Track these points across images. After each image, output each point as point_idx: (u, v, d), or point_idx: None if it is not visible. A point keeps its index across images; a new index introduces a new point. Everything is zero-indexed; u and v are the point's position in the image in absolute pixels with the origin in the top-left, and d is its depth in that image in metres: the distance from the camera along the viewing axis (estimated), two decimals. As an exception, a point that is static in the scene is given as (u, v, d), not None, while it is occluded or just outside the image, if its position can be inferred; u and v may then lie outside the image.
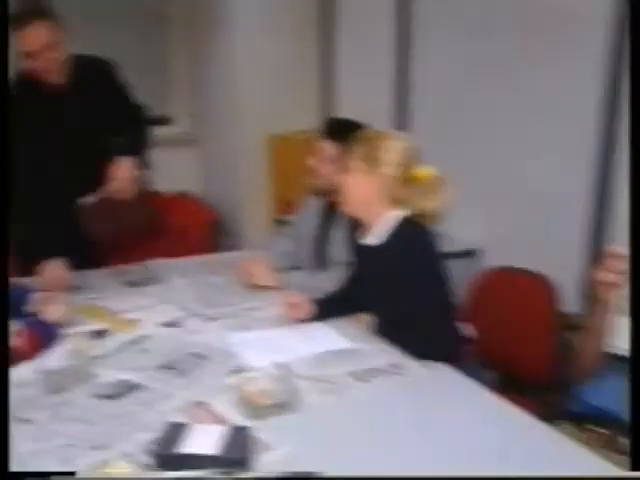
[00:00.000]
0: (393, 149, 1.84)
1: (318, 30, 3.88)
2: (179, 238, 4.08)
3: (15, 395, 1.58)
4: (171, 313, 2.10)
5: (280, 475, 1.25)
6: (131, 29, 4.22)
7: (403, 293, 1.83)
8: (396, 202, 1.87)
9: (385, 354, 1.83)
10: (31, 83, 2.30)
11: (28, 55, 2.21)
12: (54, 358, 1.72)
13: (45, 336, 1.82)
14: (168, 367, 1.74)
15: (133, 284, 2.35)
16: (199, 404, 1.55)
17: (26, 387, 1.63)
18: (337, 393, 1.63)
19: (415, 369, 1.75)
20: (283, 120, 3.87)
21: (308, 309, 2.05)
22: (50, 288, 2.04)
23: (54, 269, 2.12)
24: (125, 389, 1.62)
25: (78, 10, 3.94)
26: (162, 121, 4.49)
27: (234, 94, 3.98)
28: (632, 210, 1.47)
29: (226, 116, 4.12)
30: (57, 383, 1.63)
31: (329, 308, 2.09)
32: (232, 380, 1.64)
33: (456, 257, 2.72)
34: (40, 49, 2.20)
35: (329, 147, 2.31)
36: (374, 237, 1.92)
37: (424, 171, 1.84)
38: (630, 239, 1.42)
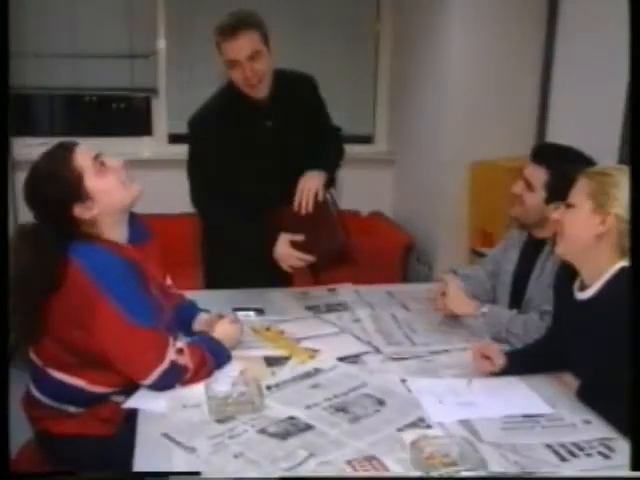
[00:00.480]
0: (628, 189, 1.56)
1: (541, 48, 3.57)
2: (369, 260, 3.99)
3: (181, 418, 1.54)
4: (351, 347, 1.96)
5: None
6: (337, 44, 4.20)
7: (617, 355, 1.54)
8: (623, 252, 1.59)
9: (592, 427, 1.55)
10: (234, 95, 2.30)
11: (232, 64, 2.21)
12: (224, 382, 1.66)
13: (213, 356, 1.76)
14: (341, 409, 1.60)
15: (316, 309, 2.25)
16: (370, 458, 1.39)
17: (192, 410, 1.57)
18: (529, 468, 1.38)
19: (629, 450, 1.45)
20: (490, 143, 3.61)
21: (501, 361, 1.81)
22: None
23: (224, 325, 1.95)
24: (294, 429, 1.50)
25: (285, 24, 4.03)
26: (363, 139, 4.45)
27: (438, 114, 3.79)
28: (632, 210, 1.45)
29: (427, 137, 3.95)
30: (224, 411, 1.56)
31: (523, 363, 1.84)
32: (410, 436, 1.46)
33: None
34: (244, 59, 2.19)
35: (539, 174, 2.06)
36: (587, 290, 1.65)
37: None
38: (630, 238, 1.40)
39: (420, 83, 3.96)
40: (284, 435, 1.48)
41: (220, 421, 1.53)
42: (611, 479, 1.33)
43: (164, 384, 1.65)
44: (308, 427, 1.51)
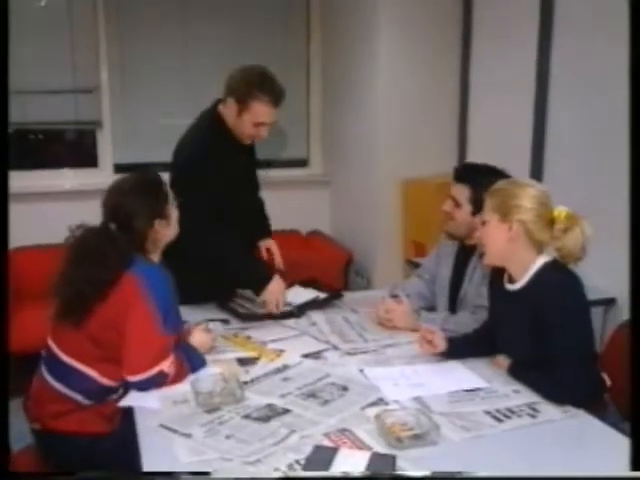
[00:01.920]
0: (526, 196, 1.90)
1: (458, 69, 3.94)
2: (311, 275, 4.26)
3: (173, 411, 1.76)
4: (311, 345, 2.22)
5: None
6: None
7: (546, 338, 1.85)
8: (536, 245, 1.92)
9: (521, 396, 1.86)
10: (223, 132, 2.56)
11: (255, 125, 2.49)
12: (207, 380, 1.88)
13: (190, 363, 1.98)
14: (311, 395, 1.85)
15: (275, 317, 2.49)
16: (343, 430, 1.65)
17: (182, 405, 1.79)
18: (473, 430, 1.67)
19: (552, 412, 1.76)
20: (418, 162, 3.94)
21: (442, 344, 2.11)
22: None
23: (199, 333, 2.17)
24: (274, 413, 1.75)
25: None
26: (299, 163, 4.75)
27: (369, 136, 4.11)
28: (632, 209, 1.51)
29: (361, 157, 4.25)
30: (211, 402, 1.78)
31: (464, 347, 2.14)
32: (374, 411, 1.73)
33: (595, 305, 2.67)
34: (264, 125, 2.50)
35: (463, 191, 2.37)
36: (516, 283, 1.97)
37: (559, 211, 1.88)
38: (630, 239, 1.48)
39: (351, 107, 4.28)
40: (266, 419, 1.72)
41: (208, 411, 1.75)
42: (611, 479, 1.38)
43: (144, 386, 1.86)
44: (286, 411, 1.76)
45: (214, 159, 2.48)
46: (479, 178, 2.31)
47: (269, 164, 4.64)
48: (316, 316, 2.50)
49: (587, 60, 3.02)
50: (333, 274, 4.00)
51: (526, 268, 1.94)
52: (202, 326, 2.19)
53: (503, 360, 2.04)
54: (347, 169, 4.47)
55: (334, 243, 4.39)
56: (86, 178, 4.14)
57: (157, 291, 1.87)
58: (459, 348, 2.13)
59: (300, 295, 2.65)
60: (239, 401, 1.81)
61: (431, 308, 2.57)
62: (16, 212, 3.83)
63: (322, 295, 2.65)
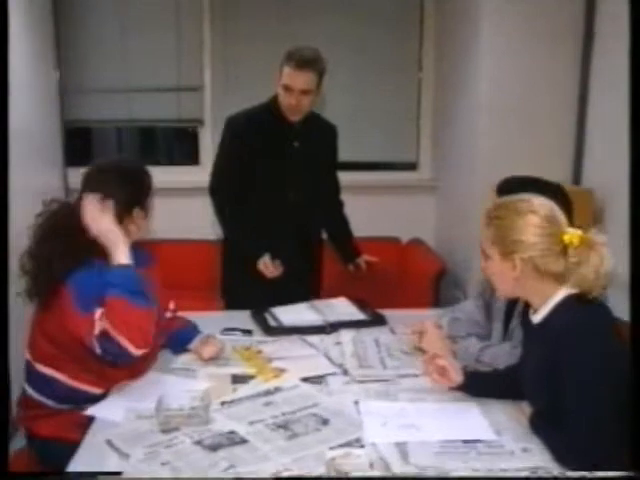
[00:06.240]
0: (527, 227, 1.57)
1: (576, 78, 3.51)
2: (401, 286, 4.01)
3: (131, 427, 1.65)
4: (319, 368, 2.02)
5: None
6: (383, 73, 4.28)
7: (562, 385, 1.52)
8: (552, 277, 1.58)
9: (529, 456, 1.54)
10: (273, 109, 2.63)
11: (286, 89, 2.54)
12: (181, 397, 1.74)
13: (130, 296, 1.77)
14: (282, 426, 1.66)
15: (303, 332, 2.30)
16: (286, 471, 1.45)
17: (144, 421, 1.68)
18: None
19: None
20: (527, 171, 3.57)
21: (457, 378, 1.83)
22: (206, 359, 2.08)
23: (208, 344, 2.12)
24: (227, 442, 1.58)
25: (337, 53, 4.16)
26: (407, 166, 4.49)
27: (476, 141, 3.79)
28: (632, 209, 1.48)
29: (467, 163, 3.93)
30: (169, 422, 1.65)
31: (484, 384, 1.84)
32: (332, 453, 1.50)
33: None
34: (297, 90, 2.52)
35: None
36: (538, 315, 1.65)
37: (571, 235, 1.54)
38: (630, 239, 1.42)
39: (460, 109, 3.97)
40: (215, 447, 1.55)
41: (165, 432, 1.63)
42: (611, 479, 1.34)
43: (112, 351, 1.70)
44: (243, 441, 1.58)
45: (249, 126, 2.62)
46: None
47: (374, 166, 4.44)
48: (345, 334, 2.28)
49: None
50: (423, 286, 3.72)
51: (546, 300, 1.61)
52: (205, 339, 2.09)
53: (526, 407, 1.72)
54: (455, 174, 4.15)
55: (431, 253, 4.09)
56: (187, 176, 4.19)
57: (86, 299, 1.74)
58: (477, 385, 1.84)
59: (339, 310, 2.45)
60: (203, 424, 1.66)
61: (486, 336, 2.26)
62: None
63: (362, 316, 2.42)
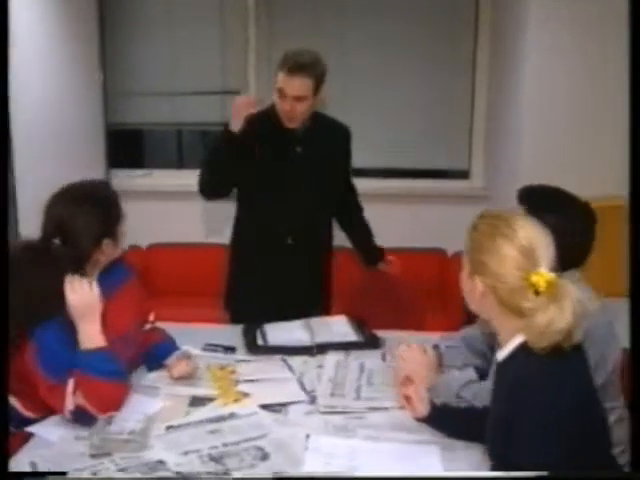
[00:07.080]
0: (494, 254, 1.39)
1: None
2: (445, 299, 3.81)
3: (63, 448, 1.60)
4: (285, 395, 1.89)
5: None
6: (434, 78, 4.08)
7: (514, 439, 1.34)
8: (519, 314, 1.39)
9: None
10: (273, 114, 2.47)
11: (280, 93, 2.39)
12: (128, 418, 1.67)
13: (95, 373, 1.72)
14: (217, 459, 1.55)
15: (288, 352, 2.18)
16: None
17: (81, 442, 1.62)
18: None
19: None
20: (579, 182, 3.29)
21: (421, 409, 1.71)
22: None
23: (181, 362, 2.02)
24: (150, 471, 1.50)
25: (383, 58, 4.02)
26: (459, 174, 4.26)
27: (525, 148, 3.54)
28: (632, 209, 1.47)
29: (520, 173, 3.68)
30: (105, 447, 1.58)
31: (451, 420, 1.69)
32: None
33: None
34: (291, 96, 2.37)
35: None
36: (503, 352, 1.47)
37: (538, 276, 1.34)
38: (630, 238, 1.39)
39: (511, 115, 3.72)
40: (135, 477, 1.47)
41: (94, 456, 1.56)
42: (609, 479, 1.34)
43: (80, 421, 1.69)
44: (165, 474, 1.49)
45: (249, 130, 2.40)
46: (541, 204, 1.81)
47: (424, 174, 4.24)
48: (331, 357, 2.14)
49: None
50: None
51: (510, 337, 1.43)
52: (181, 355, 2.02)
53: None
54: (507, 184, 3.89)
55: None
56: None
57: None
58: (443, 420, 1.70)
59: (334, 330, 2.32)
60: (138, 450, 1.58)
61: (487, 369, 2.06)
62: (159, 209, 4.03)
63: (354, 338, 2.27)
